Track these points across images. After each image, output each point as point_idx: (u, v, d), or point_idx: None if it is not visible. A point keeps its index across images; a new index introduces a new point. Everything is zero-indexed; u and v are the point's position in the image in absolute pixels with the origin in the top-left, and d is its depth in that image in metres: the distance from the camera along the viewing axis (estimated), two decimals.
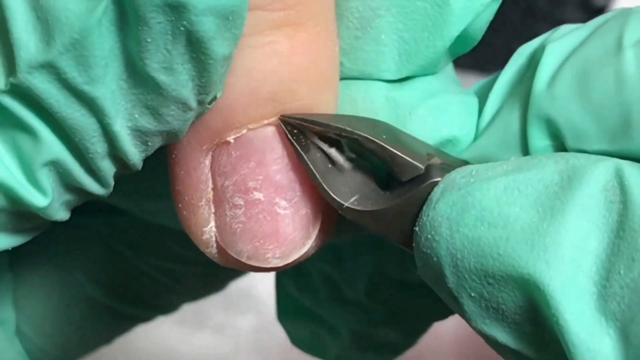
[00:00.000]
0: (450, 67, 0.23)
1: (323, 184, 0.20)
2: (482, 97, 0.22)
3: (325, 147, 0.20)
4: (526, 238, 0.17)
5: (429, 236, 0.19)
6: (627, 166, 0.17)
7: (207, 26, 0.17)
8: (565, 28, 0.21)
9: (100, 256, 0.29)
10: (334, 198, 0.20)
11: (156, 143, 0.19)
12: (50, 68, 0.17)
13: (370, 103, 0.21)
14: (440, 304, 0.21)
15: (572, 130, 0.19)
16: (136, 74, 0.18)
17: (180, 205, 0.21)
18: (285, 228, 0.20)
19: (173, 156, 0.20)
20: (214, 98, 0.19)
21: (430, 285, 0.19)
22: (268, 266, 0.20)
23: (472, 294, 0.18)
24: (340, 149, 0.21)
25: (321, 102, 0.20)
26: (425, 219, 0.19)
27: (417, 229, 0.19)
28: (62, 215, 0.20)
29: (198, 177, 0.20)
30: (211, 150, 0.20)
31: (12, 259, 0.28)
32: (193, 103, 0.18)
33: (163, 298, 0.31)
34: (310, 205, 0.20)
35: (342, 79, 0.21)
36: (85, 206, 0.28)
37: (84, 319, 0.30)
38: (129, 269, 0.30)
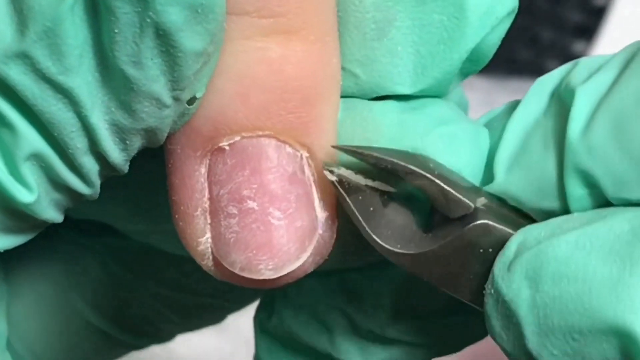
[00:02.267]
0: (460, 90, 0.23)
1: (367, 228, 0.20)
2: (493, 129, 0.21)
3: (367, 188, 0.20)
4: (610, 289, 0.17)
5: (507, 299, 0.18)
6: None
7: (173, 17, 0.17)
8: (587, 63, 0.20)
9: (98, 278, 0.29)
10: (377, 242, 0.20)
11: (136, 142, 0.19)
12: (25, 58, 0.17)
13: (382, 124, 0.21)
14: (476, 329, 0.21)
15: (613, 180, 0.19)
16: (108, 67, 0.18)
17: (176, 216, 0.20)
18: (279, 239, 0.20)
19: (170, 165, 0.20)
20: (194, 98, 0.19)
21: (503, 345, 0.19)
22: (261, 278, 0.20)
23: (554, 352, 0.18)
24: (382, 190, 0.20)
25: (315, 116, 0.20)
26: (500, 281, 0.19)
27: (490, 290, 0.19)
28: (52, 214, 0.19)
29: (193, 186, 0.20)
30: (207, 158, 0.20)
31: (7, 271, 0.28)
32: (167, 100, 0.18)
33: (157, 326, 0.30)
34: (306, 219, 0.20)
35: (357, 92, 0.21)
36: (86, 225, 0.28)
37: (76, 341, 0.29)
38: (125, 293, 0.29)
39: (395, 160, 0.19)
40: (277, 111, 0.19)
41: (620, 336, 0.17)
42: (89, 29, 0.17)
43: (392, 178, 0.21)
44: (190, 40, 0.17)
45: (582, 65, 0.20)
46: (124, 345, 0.31)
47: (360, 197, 0.20)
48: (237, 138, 0.19)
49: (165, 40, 0.17)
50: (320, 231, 0.20)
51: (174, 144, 0.20)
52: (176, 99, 0.18)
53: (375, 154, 0.19)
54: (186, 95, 0.18)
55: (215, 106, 0.19)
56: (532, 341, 0.18)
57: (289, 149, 0.20)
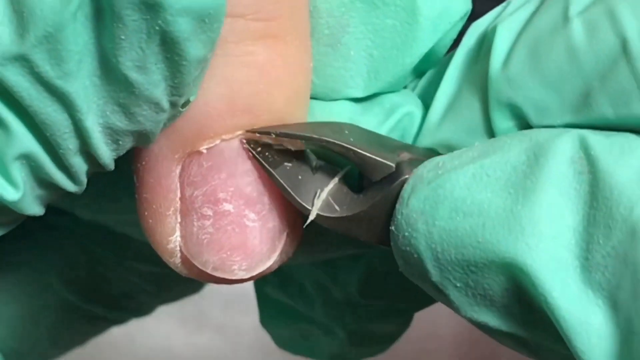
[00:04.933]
0: None
1: (295, 197, 0.20)
2: (440, 75, 0.22)
3: (293, 158, 0.20)
4: (502, 222, 0.17)
5: (406, 234, 0.19)
6: (590, 135, 0.17)
7: (182, 27, 0.17)
8: (515, 3, 0.20)
9: (74, 256, 0.29)
10: (307, 209, 0.20)
11: (127, 143, 0.19)
12: (23, 61, 0.17)
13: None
14: None
15: (534, 108, 0.19)
16: (109, 71, 0.18)
17: (146, 213, 0.20)
18: (252, 240, 0.20)
19: (143, 163, 0.20)
20: (187, 101, 0.19)
21: (414, 281, 0.19)
22: (233, 278, 0.20)
23: (457, 285, 0.18)
24: (308, 158, 0.20)
25: (296, 116, 0.20)
26: (399, 217, 0.19)
27: (393, 228, 0.19)
28: (36, 209, 0.19)
29: (168, 186, 0.20)
30: (182, 160, 0.20)
31: None
32: (165, 104, 0.18)
33: (136, 300, 0.31)
34: (277, 219, 0.20)
35: (312, 95, 0.21)
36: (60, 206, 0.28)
37: (56, 321, 0.30)
38: (101, 269, 0.29)
39: (308, 135, 0.20)
40: (260, 112, 0.19)
41: (512, 268, 0.17)
42: (90, 34, 0.17)
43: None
44: (195, 48, 0.17)
45: (509, 7, 0.20)
46: (105, 321, 0.31)
47: (287, 167, 0.20)
48: (217, 141, 0.19)
49: (171, 48, 0.17)
50: (287, 230, 0.21)
51: (150, 146, 0.20)
52: (173, 103, 0.18)
53: (286, 131, 0.20)
54: (183, 100, 0.19)
55: (201, 108, 0.19)
56: (435, 275, 0.18)
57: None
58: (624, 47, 0.18)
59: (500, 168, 0.18)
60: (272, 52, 0.19)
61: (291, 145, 0.20)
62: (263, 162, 0.20)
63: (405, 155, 0.20)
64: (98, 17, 0.17)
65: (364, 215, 0.20)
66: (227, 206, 0.20)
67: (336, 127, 0.20)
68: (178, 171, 0.20)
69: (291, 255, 0.21)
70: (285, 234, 0.21)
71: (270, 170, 0.20)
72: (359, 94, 0.21)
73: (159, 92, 0.18)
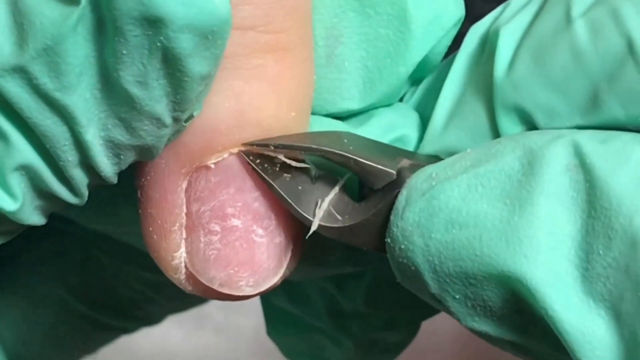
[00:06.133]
0: None
1: (297, 208, 0.20)
2: (440, 80, 0.21)
3: (292, 169, 0.20)
4: (499, 234, 0.17)
5: (403, 246, 0.18)
6: (584, 140, 0.17)
7: (184, 43, 0.17)
8: (515, 4, 0.20)
9: (81, 265, 0.29)
10: (309, 219, 0.20)
11: (129, 157, 0.19)
12: (22, 72, 0.17)
13: None
14: None
15: (542, 112, 0.19)
16: (110, 85, 0.17)
17: (150, 228, 0.20)
18: (260, 256, 0.20)
19: (148, 178, 0.20)
20: (191, 116, 0.19)
21: (414, 292, 0.19)
22: (240, 294, 0.20)
23: (457, 296, 0.18)
24: (307, 168, 0.20)
25: (304, 129, 0.20)
26: (395, 229, 0.19)
27: (388, 240, 0.19)
28: (36, 219, 0.19)
29: (174, 201, 0.20)
30: (189, 175, 0.19)
31: None
32: (167, 119, 0.18)
33: (145, 309, 0.31)
34: (283, 234, 0.20)
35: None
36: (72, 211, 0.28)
37: (63, 329, 0.29)
38: (108, 277, 0.29)
39: (306, 145, 0.19)
40: (270, 125, 0.19)
41: (512, 281, 0.17)
42: (91, 48, 0.17)
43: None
44: (197, 65, 0.17)
45: (511, 6, 0.20)
46: (112, 330, 0.31)
47: (287, 179, 0.20)
48: (225, 155, 0.19)
49: (172, 64, 0.17)
50: (291, 246, 0.20)
51: (156, 161, 0.20)
52: (176, 119, 0.18)
53: (284, 142, 0.19)
54: (186, 116, 0.18)
55: (209, 122, 0.19)
56: (433, 287, 0.18)
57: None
58: (630, 47, 0.17)
59: (494, 177, 0.18)
60: (282, 65, 0.19)
61: (290, 157, 0.20)
62: (262, 174, 0.20)
63: (405, 162, 0.20)
64: (99, 31, 0.17)
65: (366, 223, 0.20)
66: (235, 221, 0.19)
67: (335, 136, 0.20)
68: (184, 186, 0.20)
69: (293, 270, 0.21)
70: (290, 248, 0.20)
71: (270, 182, 0.20)
72: (355, 105, 0.21)
73: (161, 107, 0.18)
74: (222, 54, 0.18)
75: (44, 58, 0.17)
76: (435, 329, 0.55)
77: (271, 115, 0.19)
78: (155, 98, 0.17)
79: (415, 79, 0.22)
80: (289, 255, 0.20)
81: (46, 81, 0.17)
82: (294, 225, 0.20)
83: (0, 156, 0.18)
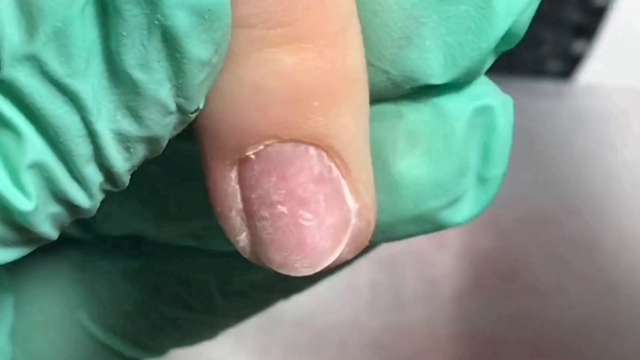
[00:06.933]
0: None
1: None
2: None
3: None
4: None
5: None
6: None
7: (180, 21, 0.17)
8: None
9: (104, 295, 0.29)
10: None
11: (139, 152, 0.19)
12: (33, 60, 0.17)
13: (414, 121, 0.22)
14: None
15: None
16: (116, 72, 0.18)
17: (215, 215, 0.21)
18: (312, 239, 0.20)
19: (204, 169, 0.20)
20: (197, 109, 0.19)
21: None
22: (299, 274, 0.21)
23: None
24: None
25: (334, 117, 0.20)
26: None
27: None
28: (47, 229, 0.19)
29: (225, 190, 0.20)
30: (236, 165, 0.20)
31: (15, 293, 0.28)
32: (172, 106, 0.18)
33: (159, 342, 0.31)
34: (337, 214, 0.20)
35: (390, 85, 0.21)
36: (92, 247, 0.29)
37: (84, 359, 0.30)
38: (131, 310, 0.30)
39: None
40: (295, 119, 0.19)
41: None
42: (97, 32, 0.17)
43: None
44: (196, 47, 0.17)
45: None
46: (124, 359, 0.31)
47: None
48: (261, 147, 0.19)
49: (171, 44, 0.17)
50: (353, 221, 0.20)
51: (203, 153, 0.20)
52: (180, 107, 0.18)
53: None
54: (190, 106, 0.19)
55: (238, 119, 0.19)
56: None
57: (312, 152, 0.20)
58: None
59: None
60: (296, 57, 0.19)
61: None
62: None
63: None
64: (104, 13, 0.17)
65: None
66: (281, 208, 0.20)
67: None
68: (233, 175, 0.20)
69: (366, 243, 0.21)
70: (350, 225, 0.20)
71: None
72: (438, 80, 0.21)
73: (164, 92, 0.18)
74: (223, 42, 0.18)
75: (54, 42, 0.17)
76: (436, 330, 0.55)
77: (295, 109, 0.19)
78: (157, 81, 0.18)
79: (498, 51, 0.22)
80: (349, 232, 0.20)
81: (56, 67, 0.17)
82: (354, 203, 0.20)
83: (13, 153, 0.18)
